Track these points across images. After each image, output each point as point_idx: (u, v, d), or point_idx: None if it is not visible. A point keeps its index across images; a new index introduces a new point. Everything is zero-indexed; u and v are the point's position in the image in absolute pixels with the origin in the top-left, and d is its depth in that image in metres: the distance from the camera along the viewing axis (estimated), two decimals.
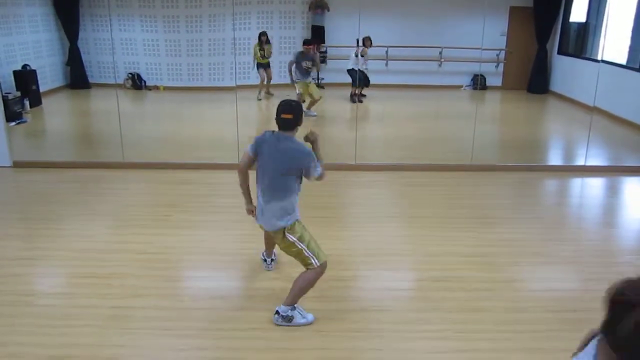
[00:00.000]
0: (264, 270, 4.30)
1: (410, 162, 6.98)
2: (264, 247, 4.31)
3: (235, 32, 11.63)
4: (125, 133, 7.13)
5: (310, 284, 3.57)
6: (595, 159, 7.46)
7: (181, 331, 3.54)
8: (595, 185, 6.79)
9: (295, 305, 3.59)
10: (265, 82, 10.70)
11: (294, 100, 3.67)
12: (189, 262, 4.57)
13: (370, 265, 4.53)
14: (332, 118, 9.98)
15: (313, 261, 3.52)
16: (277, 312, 3.57)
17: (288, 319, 3.56)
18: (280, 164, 3.49)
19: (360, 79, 10.04)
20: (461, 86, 12.38)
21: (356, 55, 9.90)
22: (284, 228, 3.52)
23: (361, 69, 10.07)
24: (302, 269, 3.59)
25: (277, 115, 3.52)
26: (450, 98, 11.98)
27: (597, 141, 8.02)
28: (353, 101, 10.34)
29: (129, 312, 3.75)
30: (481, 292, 4.01)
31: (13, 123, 8.64)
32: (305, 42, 9.59)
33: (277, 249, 4.06)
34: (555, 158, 8.56)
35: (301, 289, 3.56)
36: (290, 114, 3.51)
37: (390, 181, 6.54)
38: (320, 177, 3.56)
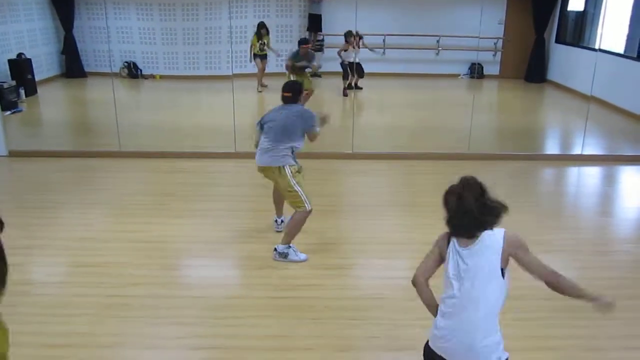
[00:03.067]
0: (260, 259, 4.30)
1: (408, 151, 6.98)
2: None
3: (232, 21, 11.56)
4: (121, 122, 7.10)
5: (300, 223, 4.26)
6: (592, 148, 7.46)
7: (178, 319, 3.54)
8: (592, 174, 6.80)
9: (290, 244, 4.27)
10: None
11: (295, 81, 4.67)
12: (186, 251, 4.57)
13: (367, 254, 4.54)
14: (329, 107, 9.96)
15: (306, 205, 4.22)
16: (275, 249, 4.27)
17: (284, 255, 4.25)
18: (286, 118, 4.22)
19: (356, 70, 9.96)
20: (458, 75, 12.36)
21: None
22: (283, 165, 4.21)
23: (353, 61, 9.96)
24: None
25: (281, 93, 4.33)
26: (448, 87, 11.95)
27: (594, 130, 8.02)
28: (346, 95, 10.26)
29: (126, 301, 3.75)
30: None
31: (8, 112, 8.59)
32: (302, 42, 9.20)
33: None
34: (552, 147, 8.57)
35: (293, 228, 4.26)
36: (290, 92, 4.31)
37: (387, 170, 6.53)
38: (316, 135, 4.34)
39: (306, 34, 11.41)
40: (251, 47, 10.47)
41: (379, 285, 4.04)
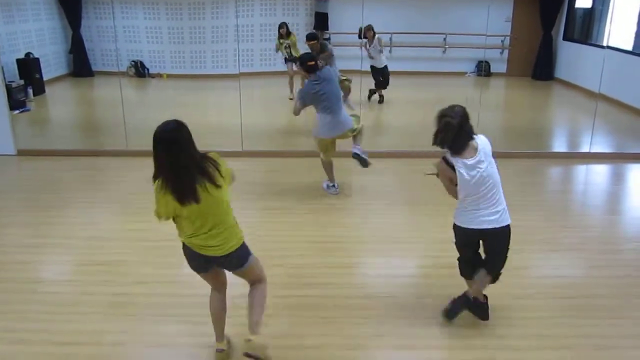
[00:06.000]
0: (269, 257, 4.29)
1: (415, 149, 6.96)
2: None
3: (238, 19, 11.57)
4: (128, 121, 7.12)
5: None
6: (600, 146, 7.42)
7: (185, 317, 3.55)
8: (600, 172, 6.76)
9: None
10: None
11: (307, 52, 5.61)
12: None
13: (375, 252, 4.53)
14: None
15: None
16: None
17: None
18: (331, 84, 5.28)
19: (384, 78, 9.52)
20: (465, 73, 12.31)
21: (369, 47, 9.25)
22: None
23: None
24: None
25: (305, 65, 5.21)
26: (455, 85, 11.90)
27: (602, 128, 7.97)
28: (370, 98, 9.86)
29: (132, 299, 3.77)
30: None
31: (17, 111, 8.64)
32: (309, 38, 8.39)
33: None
34: (560, 145, 8.52)
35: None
36: (312, 60, 5.19)
37: (394, 168, 6.52)
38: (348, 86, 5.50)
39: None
40: (277, 48, 10.01)
41: (387, 283, 4.03)
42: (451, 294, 3.77)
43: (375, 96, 9.82)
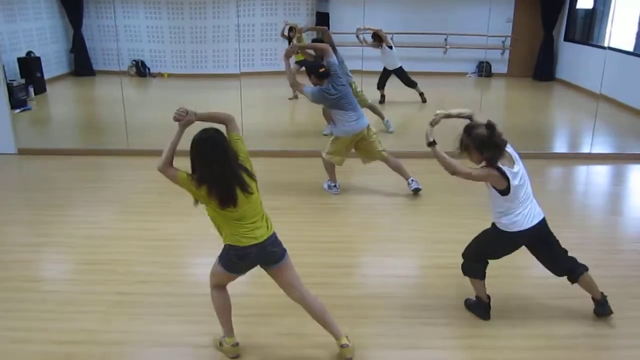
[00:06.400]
0: None
1: (415, 149, 6.96)
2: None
3: (239, 19, 11.57)
4: (129, 120, 7.13)
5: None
6: (601, 147, 7.42)
7: (186, 317, 3.56)
8: (600, 173, 6.76)
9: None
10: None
11: (314, 60, 5.73)
12: (194, 249, 4.58)
13: (376, 252, 4.53)
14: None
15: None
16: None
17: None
18: (345, 88, 5.32)
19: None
20: (466, 73, 12.31)
21: (390, 47, 9.18)
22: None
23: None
24: None
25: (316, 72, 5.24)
26: (456, 85, 11.91)
27: (603, 129, 7.97)
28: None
29: (134, 298, 3.77)
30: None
31: (18, 110, 8.65)
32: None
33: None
34: (560, 145, 8.52)
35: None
36: (323, 67, 5.19)
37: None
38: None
39: (313, 33, 11.35)
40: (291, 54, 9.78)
41: (387, 283, 4.04)
42: (451, 294, 3.78)
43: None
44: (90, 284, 3.97)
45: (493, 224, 3.43)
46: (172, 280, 4.02)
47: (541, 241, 3.43)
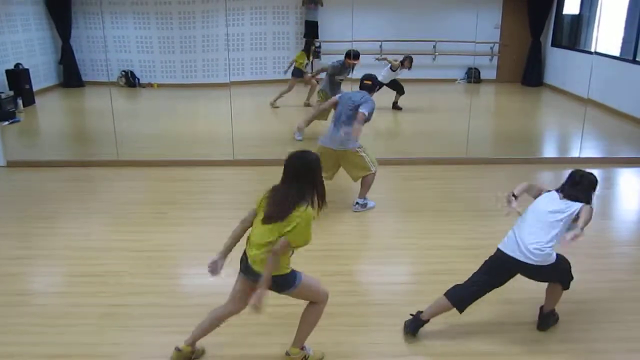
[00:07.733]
0: None
1: (406, 156, 6.99)
2: None
3: (229, 28, 11.60)
4: (119, 131, 7.10)
5: (370, 184, 5.36)
6: (590, 151, 7.48)
7: (179, 328, 3.52)
8: None
9: (366, 197, 5.42)
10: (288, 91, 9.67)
11: (372, 74, 5.47)
12: (186, 259, 4.56)
13: (368, 260, 4.53)
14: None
15: (372, 167, 5.31)
16: (357, 203, 5.41)
17: (364, 205, 5.41)
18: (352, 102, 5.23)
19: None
20: (456, 80, 12.39)
21: (393, 70, 9.42)
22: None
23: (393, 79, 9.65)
24: None
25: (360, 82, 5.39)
26: (445, 91, 11.98)
27: (591, 133, 8.03)
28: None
29: (126, 310, 3.74)
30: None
31: (6, 122, 8.61)
32: (355, 56, 7.83)
33: None
34: (549, 150, 8.58)
35: (367, 186, 5.38)
36: (369, 80, 5.34)
37: (386, 175, 6.51)
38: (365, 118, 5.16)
39: (302, 41, 11.40)
40: (293, 62, 9.82)
41: (381, 290, 4.04)
42: None
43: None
44: (80, 296, 3.93)
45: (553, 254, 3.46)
46: (163, 291, 4.00)
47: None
